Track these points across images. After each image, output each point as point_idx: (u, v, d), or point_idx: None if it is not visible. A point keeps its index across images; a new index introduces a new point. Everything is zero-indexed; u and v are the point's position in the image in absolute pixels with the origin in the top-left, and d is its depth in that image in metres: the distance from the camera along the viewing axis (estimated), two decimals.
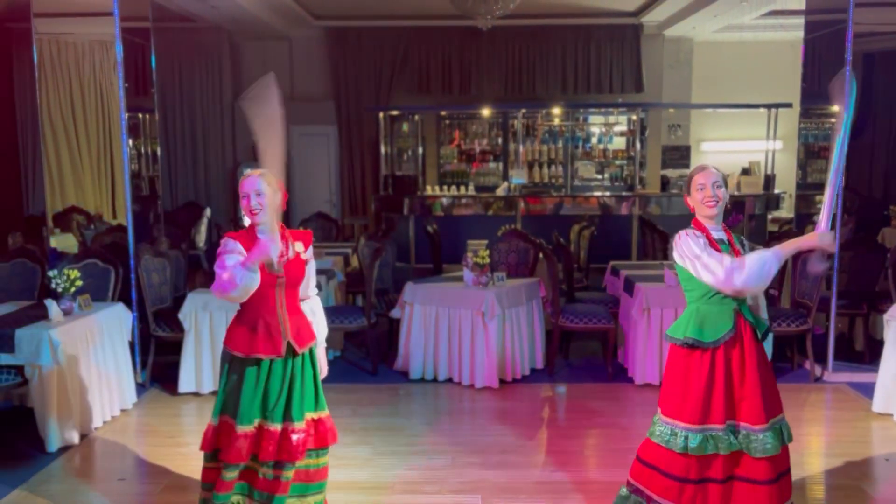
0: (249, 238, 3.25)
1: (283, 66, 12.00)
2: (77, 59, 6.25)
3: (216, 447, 3.29)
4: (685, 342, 3.22)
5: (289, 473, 3.27)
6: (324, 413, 3.42)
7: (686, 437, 3.17)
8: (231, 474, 3.24)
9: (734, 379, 3.19)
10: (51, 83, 6.21)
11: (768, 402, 3.20)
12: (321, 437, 3.38)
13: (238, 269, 3.07)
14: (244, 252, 3.17)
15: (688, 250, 3.17)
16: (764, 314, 3.43)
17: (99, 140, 6.30)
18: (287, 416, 3.27)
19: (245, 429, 3.22)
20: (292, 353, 3.29)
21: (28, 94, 7.22)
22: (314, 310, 3.54)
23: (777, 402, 3.26)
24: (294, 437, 3.25)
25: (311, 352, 3.41)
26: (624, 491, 3.41)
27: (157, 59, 6.53)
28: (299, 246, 3.35)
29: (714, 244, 3.18)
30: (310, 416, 3.35)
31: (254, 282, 3.09)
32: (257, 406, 3.25)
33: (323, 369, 3.55)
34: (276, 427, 3.24)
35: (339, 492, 4.04)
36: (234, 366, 3.30)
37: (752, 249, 3.29)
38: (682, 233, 3.23)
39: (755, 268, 3.05)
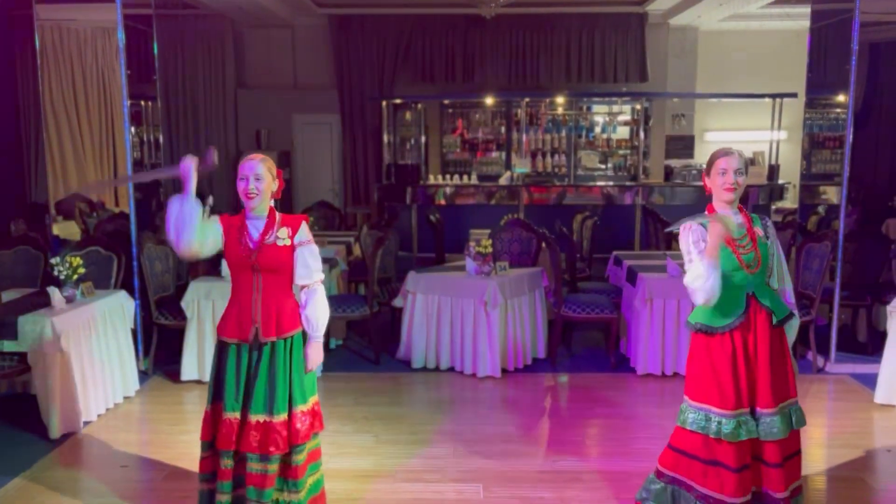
0: (240, 221, 3.25)
1: (286, 55, 11.95)
2: (79, 45, 6.24)
3: (213, 434, 3.28)
4: (696, 327, 3.28)
5: (273, 466, 3.22)
6: (300, 409, 3.26)
7: (720, 423, 3.18)
8: (227, 462, 3.22)
9: (751, 362, 3.22)
10: (53, 70, 6.21)
11: (779, 387, 3.22)
12: (294, 433, 3.25)
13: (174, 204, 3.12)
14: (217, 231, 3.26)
15: (683, 246, 3.27)
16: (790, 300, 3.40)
17: (101, 127, 6.29)
18: (269, 408, 3.19)
19: (229, 415, 3.20)
20: (269, 340, 3.21)
21: (30, 81, 7.20)
22: (308, 298, 3.30)
23: (790, 386, 3.27)
24: (277, 428, 3.18)
25: (295, 341, 3.28)
26: (657, 483, 3.38)
27: (159, 47, 6.50)
28: (283, 232, 3.24)
29: None
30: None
31: (183, 216, 3.12)
32: (240, 393, 3.20)
33: (315, 360, 3.33)
34: (258, 419, 3.19)
35: (340, 480, 4.05)
36: (217, 348, 3.30)
37: (773, 232, 3.31)
38: (684, 226, 3.28)
39: (701, 287, 3.11)
